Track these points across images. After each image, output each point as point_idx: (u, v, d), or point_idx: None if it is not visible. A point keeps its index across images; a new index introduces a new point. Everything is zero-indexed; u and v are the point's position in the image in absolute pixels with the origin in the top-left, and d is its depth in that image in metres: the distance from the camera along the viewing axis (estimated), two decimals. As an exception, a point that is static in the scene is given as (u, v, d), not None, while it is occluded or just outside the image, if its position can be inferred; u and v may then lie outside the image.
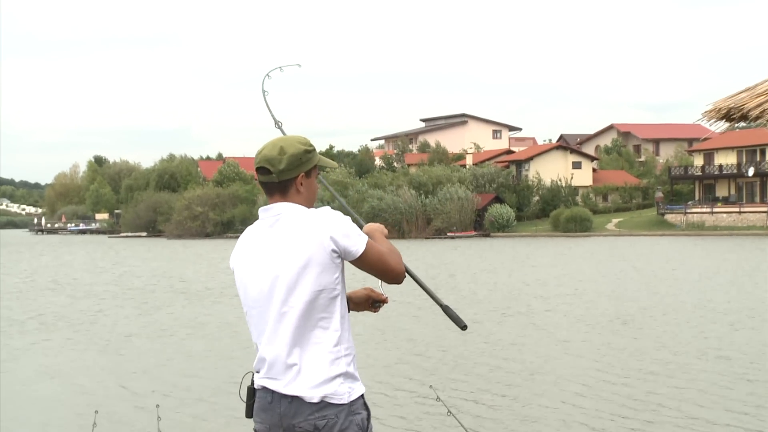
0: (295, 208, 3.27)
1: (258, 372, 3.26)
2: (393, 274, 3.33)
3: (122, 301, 25.23)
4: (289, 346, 3.18)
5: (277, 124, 3.85)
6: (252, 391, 3.27)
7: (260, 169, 3.31)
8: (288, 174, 3.28)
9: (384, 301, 3.52)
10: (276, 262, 3.21)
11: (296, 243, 3.19)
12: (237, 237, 72.08)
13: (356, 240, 3.23)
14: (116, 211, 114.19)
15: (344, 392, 3.16)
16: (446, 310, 3.67)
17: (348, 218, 3.27)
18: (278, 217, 3.27)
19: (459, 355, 14.98)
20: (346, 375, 3.19)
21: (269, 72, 3.94)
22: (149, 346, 16.75)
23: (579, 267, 35.91)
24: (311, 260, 3.17)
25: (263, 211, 3.31)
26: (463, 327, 3.65)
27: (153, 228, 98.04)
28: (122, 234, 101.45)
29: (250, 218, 80.00)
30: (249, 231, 3.35)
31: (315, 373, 3.16)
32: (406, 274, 3.44)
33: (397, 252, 3.34)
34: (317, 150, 3.38)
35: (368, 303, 3.50)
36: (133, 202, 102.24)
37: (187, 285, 30.47)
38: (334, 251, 3.18)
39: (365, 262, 3.26)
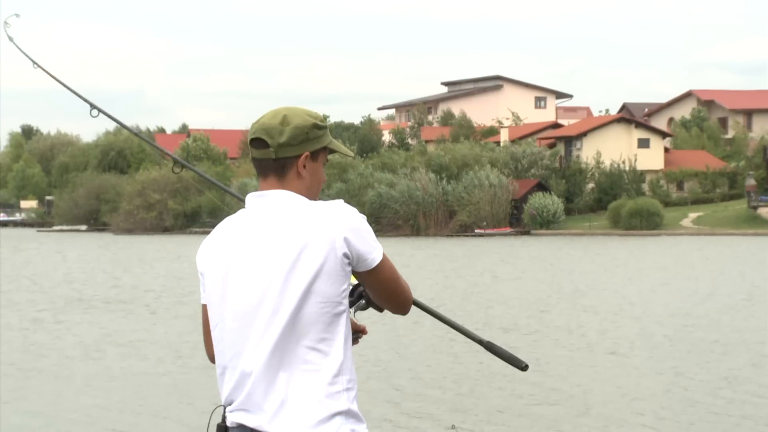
0: (297, 199, 3.28)
1: (231, 404, 3.28)
2: (403, 298, 3.40)
3: (40, 313, 25.29)
4: (274, 370, 3.19)
5: (36, 65, 4.26)
6: (224, 430, 3.30)
7: (255, 141, 3.35)
8: (289, 150, 3.31)
9: (363, 332, 3.56)
10: (269, 266, 3.22)
11: (298, 242, 3.19)
12: (203, 232, 71.06)
13: (374, 246, 3.26)
14: (48, 197, 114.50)
15: (345, 435, 3.17)
16: (491, 348, 3.73)
17: (364, 217, 3.28)
18: (274, 208, 3.28)
19: (484, 387, 15.07)
20: (348, 414, 3.20)
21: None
22: (72, 371, 16.83)
23: (641, 275, 35.89)
24: (316, 265, 3.18)
25: (255, 198, 3.33)
26: (524, 367, 3.74)
27: (95, 220, 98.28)
28: (55, 227, 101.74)
29: (222, 209, 80.00)
30: (229, 223, 3.37)
31: (308, 408, 3.17)
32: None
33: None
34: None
35: None
36: (70, 187, 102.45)
37: (134, 293, 30.54)
38: (346, 256, 3.20)
39: (377, 278, 3.30)
